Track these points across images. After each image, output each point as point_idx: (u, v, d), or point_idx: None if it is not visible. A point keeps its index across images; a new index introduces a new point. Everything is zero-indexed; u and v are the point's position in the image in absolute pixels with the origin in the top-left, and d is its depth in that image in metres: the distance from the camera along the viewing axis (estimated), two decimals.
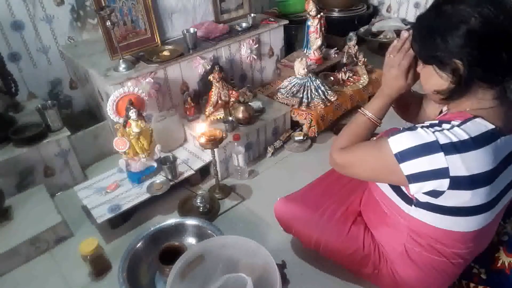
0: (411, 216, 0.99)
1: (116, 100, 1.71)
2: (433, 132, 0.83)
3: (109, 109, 1.72)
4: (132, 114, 1.69)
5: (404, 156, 0.85)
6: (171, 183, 1.79)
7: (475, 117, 0.85)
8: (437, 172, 0.81)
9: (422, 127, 0.87)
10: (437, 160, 0.81)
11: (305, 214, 1.28)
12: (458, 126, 0.83)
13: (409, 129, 0.87)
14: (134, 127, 1.70)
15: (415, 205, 0.96)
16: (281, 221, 1.37)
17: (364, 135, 1.10)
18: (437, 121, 0.88)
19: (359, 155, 1.02)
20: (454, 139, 0.81)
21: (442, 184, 0.82)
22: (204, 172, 1.98)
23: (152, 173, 1.83)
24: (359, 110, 1.13)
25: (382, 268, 1.14)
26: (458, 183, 0.81)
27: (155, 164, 1.83)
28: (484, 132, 0.82)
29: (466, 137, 0.81)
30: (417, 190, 0.87)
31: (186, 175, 1.86)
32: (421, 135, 0.84)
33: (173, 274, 0.96)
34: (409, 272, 1.08)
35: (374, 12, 3.27)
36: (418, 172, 0.83)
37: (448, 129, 0.83)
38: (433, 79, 0.88)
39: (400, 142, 0.86)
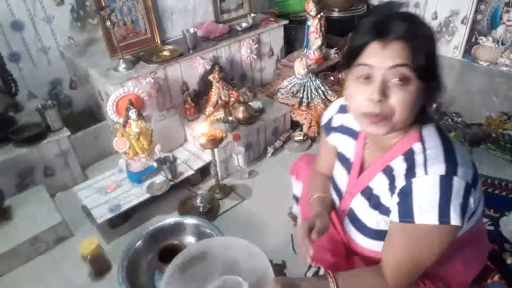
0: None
1: (116, 100, 1.71)
2: (451, 175, 0.73)
3: (109, 109, 1.72)
4: (132, 114, 1.69)
5: (464, 218, 0.74)
6: (171, 183, 1.79)
7: (422, 128, 0.82)
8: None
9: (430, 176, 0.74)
10: (472, 197, 0.75)
11: None
12: (445, 150, 0.77)
13: (442, 193, 0.72)
14: (134, 127, 1.70)
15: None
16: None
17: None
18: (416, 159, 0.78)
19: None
20: (460, 168, 0.73)
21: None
22: (204, 172, 1.98)
23: (152, 173, 1.83)
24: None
25: None
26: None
27: (155, 164, 1.83)
28: (448, 138, 0.81)
29: (462, 155, 0.77)
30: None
31: (186, 175, 1.86)
32: (457, 188, 0.72)
33: (173, 266, 0.96)
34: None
35: (372, 10, 3.27)
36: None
37: (445, 160, 0.75)
38: (417, 101, 0.76)
39: (456, 215, 0.72)
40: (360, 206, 0.92)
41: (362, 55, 0.76)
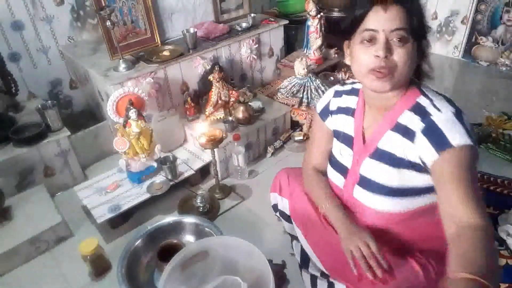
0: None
1: (116, 100, 1.71)
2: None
3: (109, 109, 1.72)
4: (132, 114, 1.69)
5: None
6: (171, 183, 1.79)
7: (420, 86, 0.95)
8: None
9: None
10: None
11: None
12: (447, 100, 0.91)
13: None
14: (134, 127, 1.70)
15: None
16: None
17: None
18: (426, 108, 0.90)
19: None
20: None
21: None
22: (204, 172, 1.98)
23: (152, 173, 1.83)
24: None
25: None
26: None
27: (155, 164, 1.83)
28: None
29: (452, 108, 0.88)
30: None
31: (186, 175, 1.86)
32: (468, 122, 0.86)
33: (173, 264, 0.96)
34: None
35: None
36: None
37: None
38: (413, 57, 0.88)
39: (475, 141, 0.84)
40: (372, 168, 0.97)
41: (366, 21, 0.87)
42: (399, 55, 0.85)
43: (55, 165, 1.87)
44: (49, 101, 1.89)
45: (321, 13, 2.40)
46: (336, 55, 2.61)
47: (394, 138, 0.93)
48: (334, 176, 1.12)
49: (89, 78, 2.07)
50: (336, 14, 2.87)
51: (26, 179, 1.81)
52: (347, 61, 0.98)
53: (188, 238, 1.51)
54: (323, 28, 2.42)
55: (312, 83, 2.25)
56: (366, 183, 0.99)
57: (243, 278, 0.99)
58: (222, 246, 1.04)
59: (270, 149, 2.11)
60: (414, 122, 0.89)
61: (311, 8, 2.35)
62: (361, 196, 1.01)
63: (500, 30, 2.66)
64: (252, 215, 1.74)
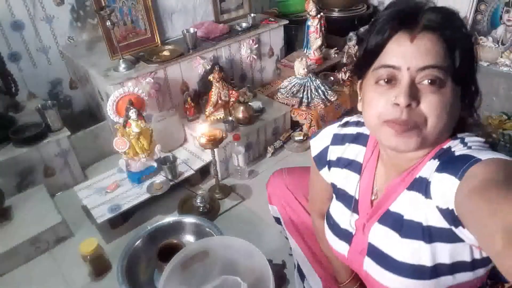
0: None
1: (116, 100, 1.71)
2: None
3: (109, 109, 1.72)
4: (132, 114, 1.69)
5: None
6: (171, 183, 1.80)
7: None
8: None
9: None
10: None
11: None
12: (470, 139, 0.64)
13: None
14: (134, 127, 1.70)
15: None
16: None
17: None
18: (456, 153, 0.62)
19: None
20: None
21: None
22: (204, 172, 1.99)
23: (152, 173, 1.83)
24: None
25: None
26: None
27: (155, 164, 1.83)
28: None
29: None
30: None
31: (186, 175, 1.86)
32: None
33: (173, 264, 0.96)
34: None
35: (374, 12, 3.27)
36: None
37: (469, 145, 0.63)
38: (453, 109, 0.62)
39: None
40: (384, 237, 0.73)
41: (384, 54, 0.62)
42: (430, 103, 0.59)
43: (55, 165, 1.87)
44: (49, 101, 1.90)
45: (321, 13, 2.40)
46: (336, 55, 2.61)
47: (410, 198, 0.68)
48: (335, 243, 0.86)
49: (89, 78, 2.07)
50: (336, 14, 2.87)
51: (26, 179, 1.81)
52: (359, 107, 0.73)
53: (188, 238, 1.51)
54: (323, 28, 2.42)
55: (312, 83, 2.25)
56: (379, 257, 0.74)
57: (243, 278, 0.99)
58: (222, 246, 1.04)
59: (270, 149, 2.11)
60: (431, 168, 0.64)
61: (311, 8, 2.35)
62: (374, 272, 0.76)
63: (500, 30, 2.66)
64: (252, 215, 1.74)
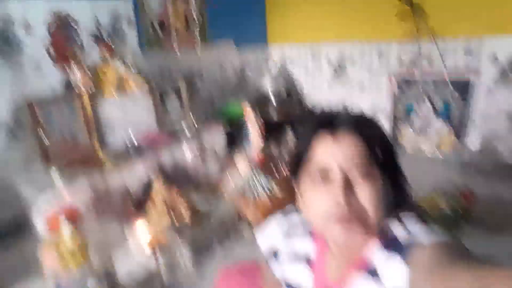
0: None
1: (47, 213, 1.61)
2: None
3: (39, 223, 1.60)
4: (65, 228, 1.58)
5: None
6: None
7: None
8: None
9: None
10: None
11: None
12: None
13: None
14: (68, 241, 1.57)
15: None
16: None
17: None
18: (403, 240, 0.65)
19: None
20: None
21: None
22: (148, 280, 1.81)
23: None
24: None
25: None
26: None
27: (92, 280, 1.65)
28: None
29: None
30: None
31: (129, 286, 1.68)
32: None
33: None
34: None
35: (309, 113, 3.62)
36: None
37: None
38: (385, 193, 0.66)
39: None
40: None
41: (313, 155, 0.67)
42: (365, 195, 0.63)
43: None
44: None
45: (259, 116, 2.59)
46: (278, 152, 2.76)
47: (363, 285, 0.68)
48: None
49: (19, 192, 1.95)
50: (274, 118, 3.12)
51: None
52: (300, 205, 0.74)
53: None
54: (262, 130, 2.60)
55: (258, 180, 2.31)
56: None
57: None
58: None
59: (219, 248, 2.02)
60: (378, 254, 0.66)
61: (249, 112, 2.55)
62: None
63: (417, 121, 3.03)
64: None
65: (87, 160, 2.03)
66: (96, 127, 2.07)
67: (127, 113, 2.29)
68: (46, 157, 1.84)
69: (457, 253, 0.55)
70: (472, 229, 1.98)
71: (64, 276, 1.59)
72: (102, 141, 2.14)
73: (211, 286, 1.78)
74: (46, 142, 1.74)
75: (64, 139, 1.98)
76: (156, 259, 1.63)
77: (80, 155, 2.03)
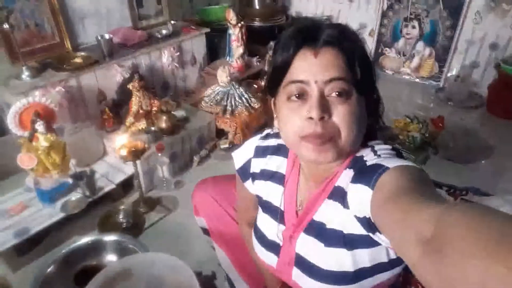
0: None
1: (18, 112, 1.54)
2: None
3: (11, 121, 1.54)
4: (39, 126, 1.53)
5: None
6: (89, 200, 1.66)
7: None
8: None
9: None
10: None
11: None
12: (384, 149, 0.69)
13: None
14: (42, 141, 1.54)
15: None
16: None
17: None
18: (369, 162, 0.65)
19: None
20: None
21: None
22: (126, 186, 1.87)
23: (66, 190, 1.67)
24: None
25: None
26: None
27: (69, 180, 1.67)
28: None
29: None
30: None
31: (106, 190, 1.73)
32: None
33: (95, 284, 0.88)
34: None
35: (293, 22, 3.43)
36: None
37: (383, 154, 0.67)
38: (361, 116, 0.66)
39: None
40: (310, 247, 0.74)
41: (291, 70, 0.65)
42: (341, 114, 0.62)
43: None
44: None
45: (242, 22, 2.44)
46: (258, 63, 2.68)
47: (330, 207, 0.70)
48: (264, 254, 0.86)
49: None
50: (257, 24, 2.95)
51: None
52: (275, 124, 0.75)
53: (111, 258, 1.40)
54: (244, 37, 2.47)
55: (236, 91, 2.27)
56: (305, 266, 0.75)
57: None
58: (146, 263, 0.99)
59: (196, 159, 2.07)
60: (347, 178, 0.67)
61: (232, 17, 2.38)
62: (302, 282, 0.77)
63: (401, 42, 2.97)
64: (179, 228, 1.69)
65: (55, 53, 1.88)
66: (62, 15, 1.87)
67: (98, 3, 2.07)
68: (10, 47, 1.68)
69: (417, 179, 0.55)
70: (435, 155, 2.11)
71: (42, 175, 1.60)
72: (71, 33, 1.96)
73: (187, 194, 1.88)
74: (6, 26, 1.57)
75: (28, 27, 1.79)
76: (135, 165, 1.64)
77: (48, 47, 1.87)
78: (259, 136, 0.89)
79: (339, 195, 0.68)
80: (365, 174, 0.61)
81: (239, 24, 2.42)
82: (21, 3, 1.74)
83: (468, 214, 0.38)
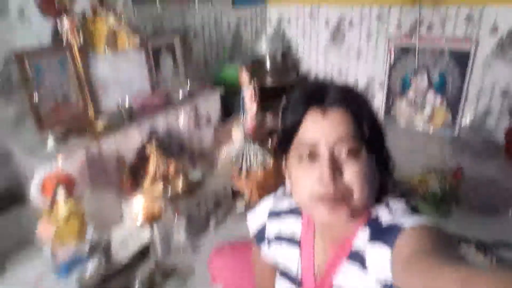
0: None
1: (42, 179, 1.58)
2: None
3: (34, 189, 1.57)
4: (60, 193, 1.56)
5: None
6: (106, 271, 1.63)
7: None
8: None
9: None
10: None
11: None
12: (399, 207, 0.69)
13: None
14: (62, 208, 1.56)
15: None
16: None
17: None
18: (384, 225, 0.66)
19: None
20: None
21: None
22: (144, 252, 1.84)
23: (84, 261, 1.65)
24: None
25: None
26: None
27: (86, 250, 1.66)
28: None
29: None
30: None
31: (123, 258, 1.71)
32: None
33: None
34: None
35: (300, 83, 3.54)
36: None
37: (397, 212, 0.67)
38: (372, 173, 0.66)
39: None
40: None
41: (301, 131, 0.66)
42: (352, 173, 0.63)
43: None
44: None
45: (254, 79, 2.51)
46: (272, 120, 2.73)
47: (350, 270, 0.69)
48: None
49: (11, 154, 1.89)
50: (269, 82, 3.06)
51: None
52: (288, 186, 0.74)
53: None
54: (257, 95, 2.54)
55: (251, 148, 2.29)
56: None
57: None
58: None
59: (212, 222, 2.05)
60: (364, 237, 0.67)
61: (244, 75, 2.47)
62: None
63: (411, 93, 3.01)
64: None
65: (79, 121, 1.96)
66: (87, 85, 1.97)
67: (119, 72, 2.19)
68: (38, 117, 1.76)
69: (437, 239, 0.56)
70: (457, 208, 2.04)
71: (61, 247, 1.59)
72: (95, 102, 2.05)
73: (204, 260, 1.84)
74: (36, 99, 1.65)
75: (55, 97, 1.88)
76: (151, 231, 1.63)
77: (72, 115, 1.95)
78: (272, 197, 0.89)
79: (358, 256, 0.67)
80: (383, 233, 0.62)
81: (252, 83, 2.50)
82: (50, 74, 1.85)
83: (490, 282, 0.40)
